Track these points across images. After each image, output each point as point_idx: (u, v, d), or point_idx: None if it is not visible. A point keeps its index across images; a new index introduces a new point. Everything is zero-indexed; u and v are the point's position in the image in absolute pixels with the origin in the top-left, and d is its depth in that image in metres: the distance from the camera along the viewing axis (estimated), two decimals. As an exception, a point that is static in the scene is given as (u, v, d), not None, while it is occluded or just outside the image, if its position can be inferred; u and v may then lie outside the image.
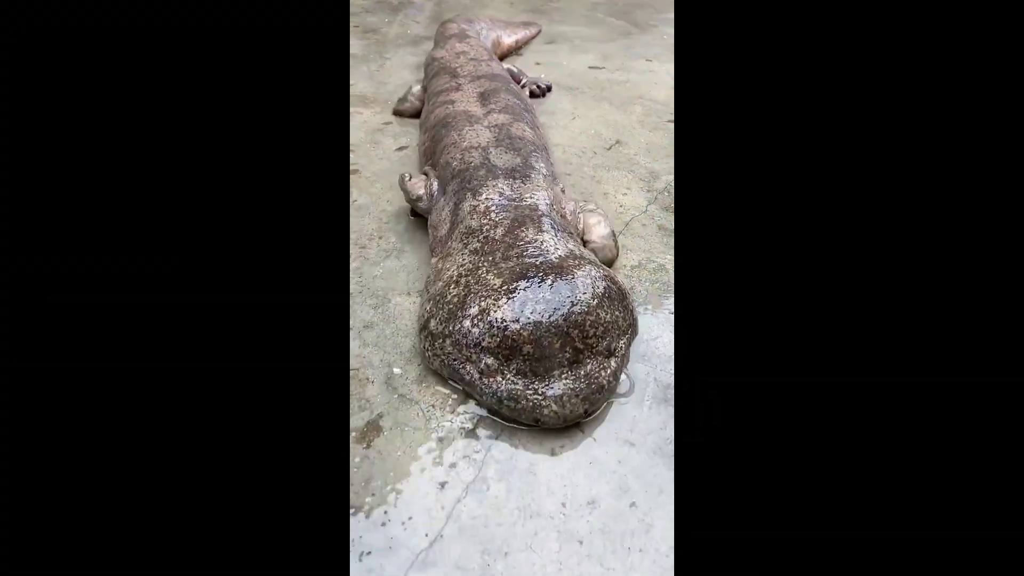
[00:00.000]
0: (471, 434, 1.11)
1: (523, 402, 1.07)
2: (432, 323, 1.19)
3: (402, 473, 1.05)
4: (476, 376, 1.12)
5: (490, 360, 1.10)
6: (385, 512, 0.98)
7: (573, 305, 1.12)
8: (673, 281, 1.51)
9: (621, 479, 1.04)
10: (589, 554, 0.92)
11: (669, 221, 1.76)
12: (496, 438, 1.10)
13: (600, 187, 1.93)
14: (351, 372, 1.24)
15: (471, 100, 1.92)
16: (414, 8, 4.00)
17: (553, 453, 1.08)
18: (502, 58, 2.97)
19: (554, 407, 1.07)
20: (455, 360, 1.14)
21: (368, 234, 1.68)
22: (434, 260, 1.39)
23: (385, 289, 1.49)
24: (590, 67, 2.96)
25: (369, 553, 0.93)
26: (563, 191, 1.56)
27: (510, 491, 1.01)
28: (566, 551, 0.93)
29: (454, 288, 1.20)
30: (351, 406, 1.17)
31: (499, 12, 3.91)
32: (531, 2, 4.16)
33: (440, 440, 1.10)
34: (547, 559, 0.92)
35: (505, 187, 1.42)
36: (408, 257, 1.59)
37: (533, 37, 3.35)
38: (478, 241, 1.29)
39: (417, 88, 2.35)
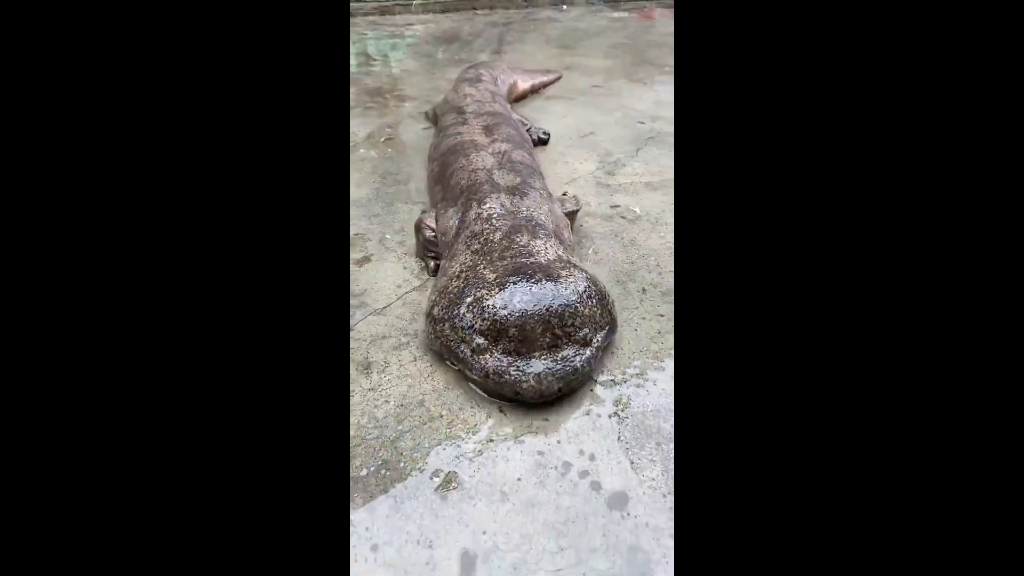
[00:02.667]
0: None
1: (506, 377, 1.24)
2: (435, 310, 1.36)
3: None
4: (468, 354, 1.28)
5: (481, 340, 1.26)
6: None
7: (555, 299, 1.27)
8: (596, 224, 2.05)
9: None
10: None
11: (609, 180, 2.32)
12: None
13: (563, 158, 2.53)
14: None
15: (476, 131, 2.15)
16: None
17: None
18: (518, 99, 3.31)
19: (532, 383, 1.23)
20: (451, 341, 1.30)
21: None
22: (443, 262, 1.56)
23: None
24: (592, 85, 3.60)
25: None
26: (559, 204, 1.79)
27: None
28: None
29: (455, 281, 1.37)
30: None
31: (535, 46, 4.66)
32: (563, 40, 4.90)
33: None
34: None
35: (506, 200, 1.62)
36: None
37: (551, 83, 3.61)
38: (479, 243, 1.47)
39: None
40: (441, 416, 1.26)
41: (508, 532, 1.03)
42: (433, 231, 1.72)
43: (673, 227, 1.97)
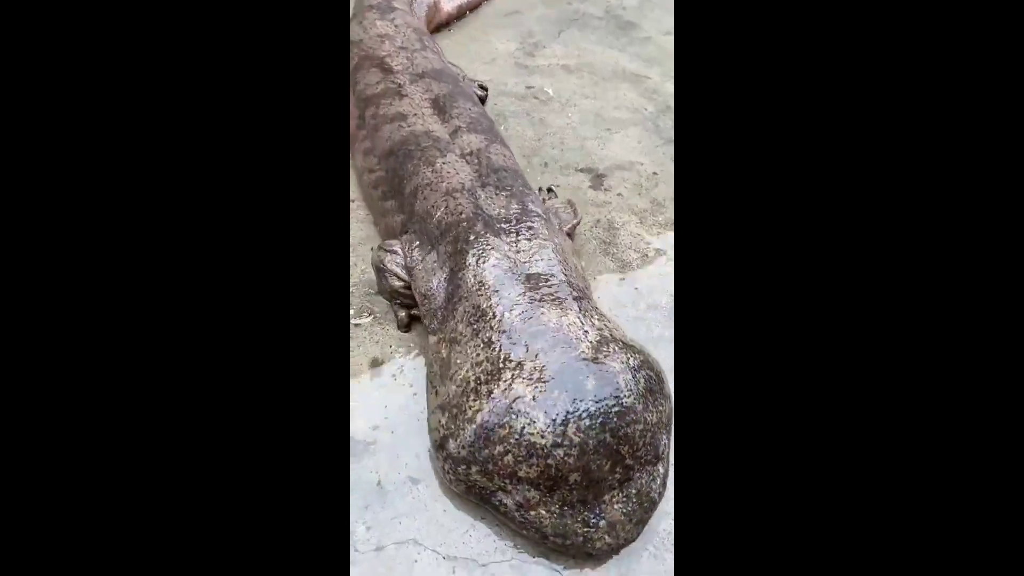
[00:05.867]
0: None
1: (572, 538, 0.97)
2: (451, 444, 1.03)
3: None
4: (513, 508, 0.99)
5: (530, 493, 0.97)
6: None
7: (620, 415, 0.98)
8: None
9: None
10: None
11: (528, 61, 2.42)
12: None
13: (484, 36, 2.58)
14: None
15: (425, 111, 1.57)
16: None
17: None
18: (438, 30, 2.49)
19: (607, 539, 0.98)
20: (484, 489, 1.01)
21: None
22: (433, 340, 1.20)
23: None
24: None
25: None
26: (556, 213, 1.46)
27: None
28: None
29: (474, 400, 1.03)
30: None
31: None
32: None
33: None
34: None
35: (509, 247, 1.21)
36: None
37: (481, 2, 2.75)
38: (491, 328, 1.09)
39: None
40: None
41: None
42: (403, 281, 1.32)
43: (579, 109, 2.13)
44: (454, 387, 1.07)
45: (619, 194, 1.78)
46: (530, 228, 1.27)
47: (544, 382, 1.00)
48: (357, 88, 1.74)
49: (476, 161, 1.42)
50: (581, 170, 1.86)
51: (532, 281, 1.16)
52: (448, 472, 1.06)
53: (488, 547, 1.08)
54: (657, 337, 1.38)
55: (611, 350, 1.06)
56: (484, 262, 1.19)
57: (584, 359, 1.03)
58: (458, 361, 1.10)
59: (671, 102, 2.18)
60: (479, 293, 1.15)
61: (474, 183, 1.35)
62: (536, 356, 1.04)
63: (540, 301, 1.12)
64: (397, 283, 1.33)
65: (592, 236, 1.64)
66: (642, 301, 1.49)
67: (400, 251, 1.34)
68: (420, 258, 1.30)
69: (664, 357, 1.23)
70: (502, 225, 1.26)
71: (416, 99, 1.61)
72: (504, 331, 1.08)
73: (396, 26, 1.93)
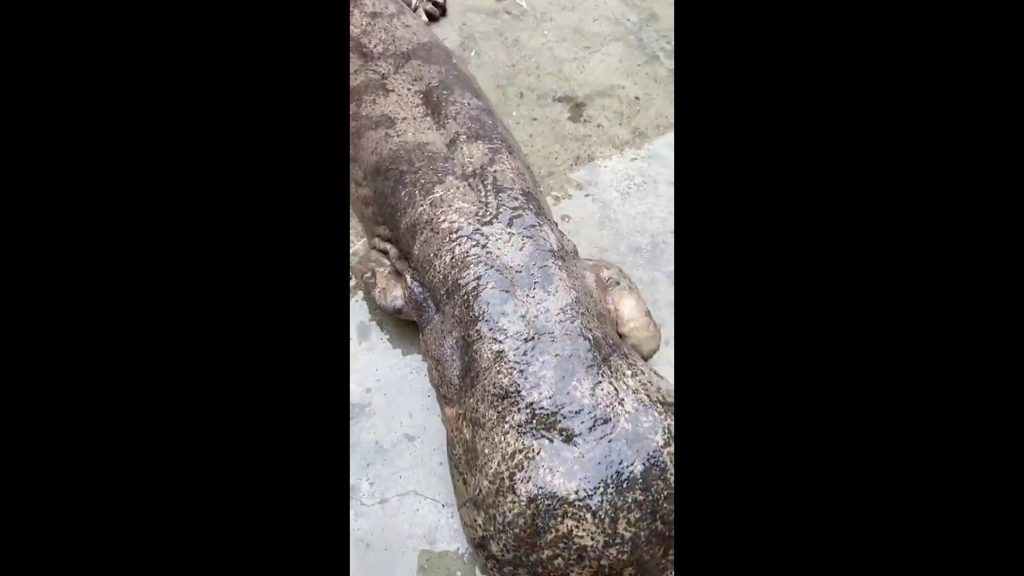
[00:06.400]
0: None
1: None
2: (494, 547, 0.98)
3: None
4: None
5: None
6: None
7: (668, 497, 0.93)
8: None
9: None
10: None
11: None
12: None
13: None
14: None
15: (415, 114, 1.35)
16: None
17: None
18: None
19: None
20: None
21: None
22: (451, 412, 1.11)
23: None
24: None
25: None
26: (575, 254, 1.23)
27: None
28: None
29: (512, 502, 0.94)
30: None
31: None
32: None
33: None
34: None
35: (527, 306, 1.07)
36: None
37: None
38: (519, 410, 0.99)
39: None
40: None
41: None
42: (399, 312, 1.22)
43: (556, 24, 1.99)
44: (486, 482, 0.99)
45: (599, 125, 1.72)
46: (547, 275, 1.10)
47: (587, 474, 0.93)
48: None
49: (480, 185, 1.21)
50: (559, 99, 1.77)
51: (556, 345, 1.03)
52: (493, 570, 1.01)
53: (479, 501, 1.17)
54: (637, 280, 1.41)
55: (651, 418, 0.98)
56: (502, 334, 1.05)
57: (626, 438, 0.95)
58: (487, 451, 1.00)
59: (656, 8, 2.03)
60: (499, 371, 1.03)
61: (480, 218, 1.16)
62: (574, 442, 0.95)
63: (571, 372, 1.00)
64: (390, 308, 1.24)
65: (572, 176, 1.61)
66: (623, 243, 1.49)
67: (396, 283, 1.23)
68: (421, 295, 1.17)
69: (647, 299, 1.25)
70: (516, 275, 1.10)
71: (404, 94, 1.37)
72: (535, 416, 0.98)
73: None
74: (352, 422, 1.24)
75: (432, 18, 1.97)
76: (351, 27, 1.52)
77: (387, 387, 1.28)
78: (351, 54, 1.49)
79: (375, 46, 1.48)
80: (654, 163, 1.62)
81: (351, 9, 1.55)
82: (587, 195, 1.57)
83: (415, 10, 1.90)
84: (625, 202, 1.55)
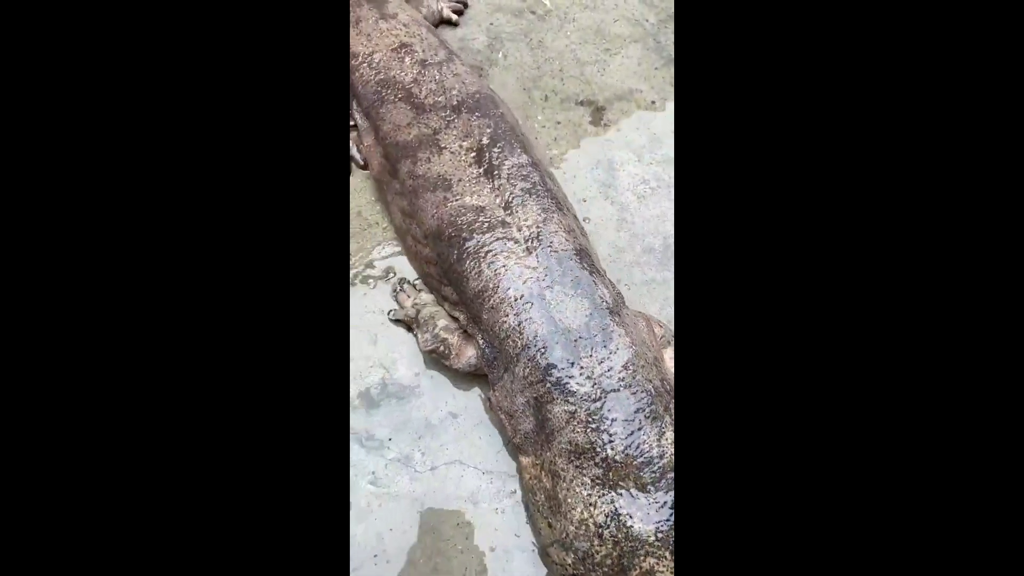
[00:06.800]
0: None
1: None
2: None
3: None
4: None
5: None
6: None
7: None
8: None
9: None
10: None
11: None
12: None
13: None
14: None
15: (470, 174, 1.39)
16: None
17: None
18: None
19: None
20: None
21: None
22: (527, 460, 1.25)
23: None
24: None
25: None
26: (623, 301, 1.34)
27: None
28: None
29: (599, 545, 1.11)
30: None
31: None
32: None
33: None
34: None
35: (591, 364, 1.20)
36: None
37: None
38: (596, 465, 1.14)
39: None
40: None
41: None
42: (474, 369, 1.36)
43: (578, 26, 2.10)
44: (572, 527, 1.14)
45: (618, 129, 1.87)
46: (608, 335, 1.22)
47: (664, 514, 1.09)
48: (380, 125, 1.52)
49: (538, 248, 1.30)
50: (581, 103, 1.91)
51: (622, 402, 1.16)
52: None
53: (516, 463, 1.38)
54: (650, 280, 1.59)
55: None
56: (572, 396, 1.18)
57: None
58: (569, 500, 1.15)
59: (672, 9, 2.14)
60: (573, 430, 1.16)
61: (541, 284, 1.26)
62: (649, 491, 1.11)
63: (639, 427, 1.15)
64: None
65: (593, 179, 1.77)
66: (638, 244, 1.67)
67: (474, 355, 1.35)
68: (487, 356, 1.30)
69: (656, 299, 1.44)
70: (579, 338, 1.22)
71: (457, 152, 1.42)
72: (610, 468, 1.13)
73: (406, 25, 1.64)
74: (404, 402, 1.45)
75: (458, 14, 2.04)
76: (402, 75, 1.56)
77: (433, 372, 1.49)
78: (401, 103, 1.52)
79: (426, 96, 1.51)
80: (668, 167, 1.78)
81: (403, 58, 1.58)
82: (606, 198, 1.73)
83: (440, 12, 1.95)
84: (641, 205, 1.72)
